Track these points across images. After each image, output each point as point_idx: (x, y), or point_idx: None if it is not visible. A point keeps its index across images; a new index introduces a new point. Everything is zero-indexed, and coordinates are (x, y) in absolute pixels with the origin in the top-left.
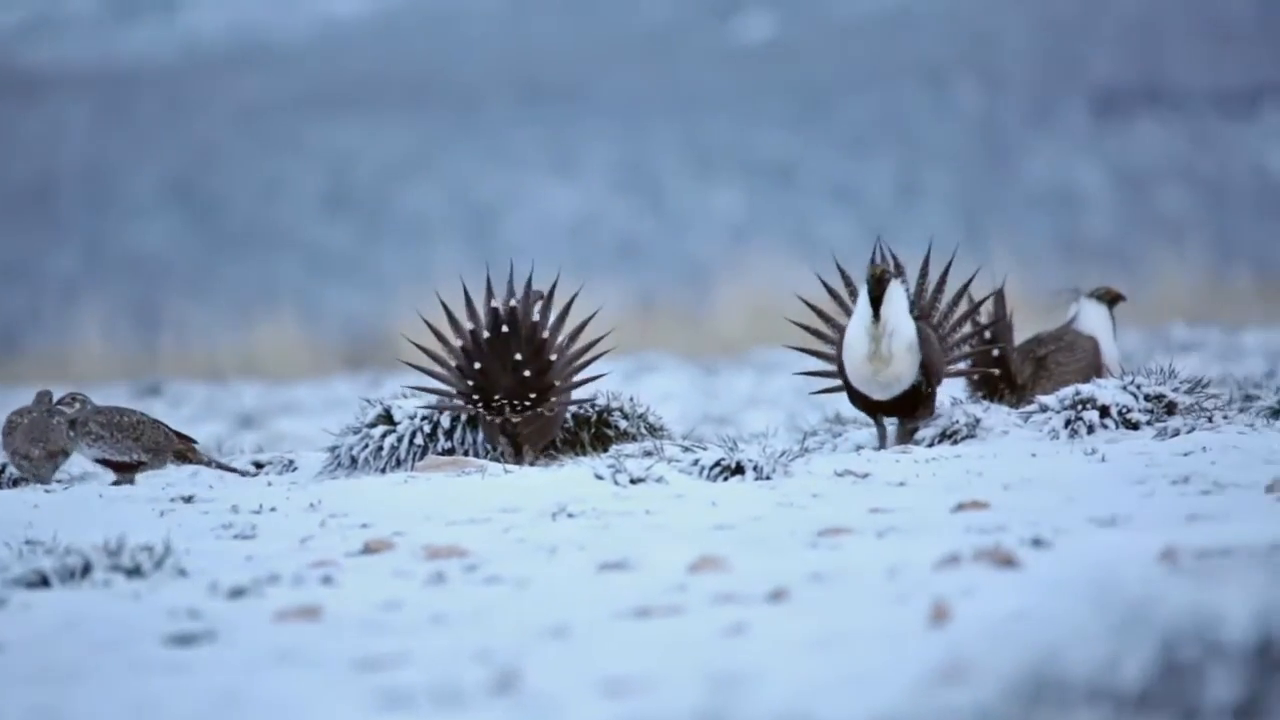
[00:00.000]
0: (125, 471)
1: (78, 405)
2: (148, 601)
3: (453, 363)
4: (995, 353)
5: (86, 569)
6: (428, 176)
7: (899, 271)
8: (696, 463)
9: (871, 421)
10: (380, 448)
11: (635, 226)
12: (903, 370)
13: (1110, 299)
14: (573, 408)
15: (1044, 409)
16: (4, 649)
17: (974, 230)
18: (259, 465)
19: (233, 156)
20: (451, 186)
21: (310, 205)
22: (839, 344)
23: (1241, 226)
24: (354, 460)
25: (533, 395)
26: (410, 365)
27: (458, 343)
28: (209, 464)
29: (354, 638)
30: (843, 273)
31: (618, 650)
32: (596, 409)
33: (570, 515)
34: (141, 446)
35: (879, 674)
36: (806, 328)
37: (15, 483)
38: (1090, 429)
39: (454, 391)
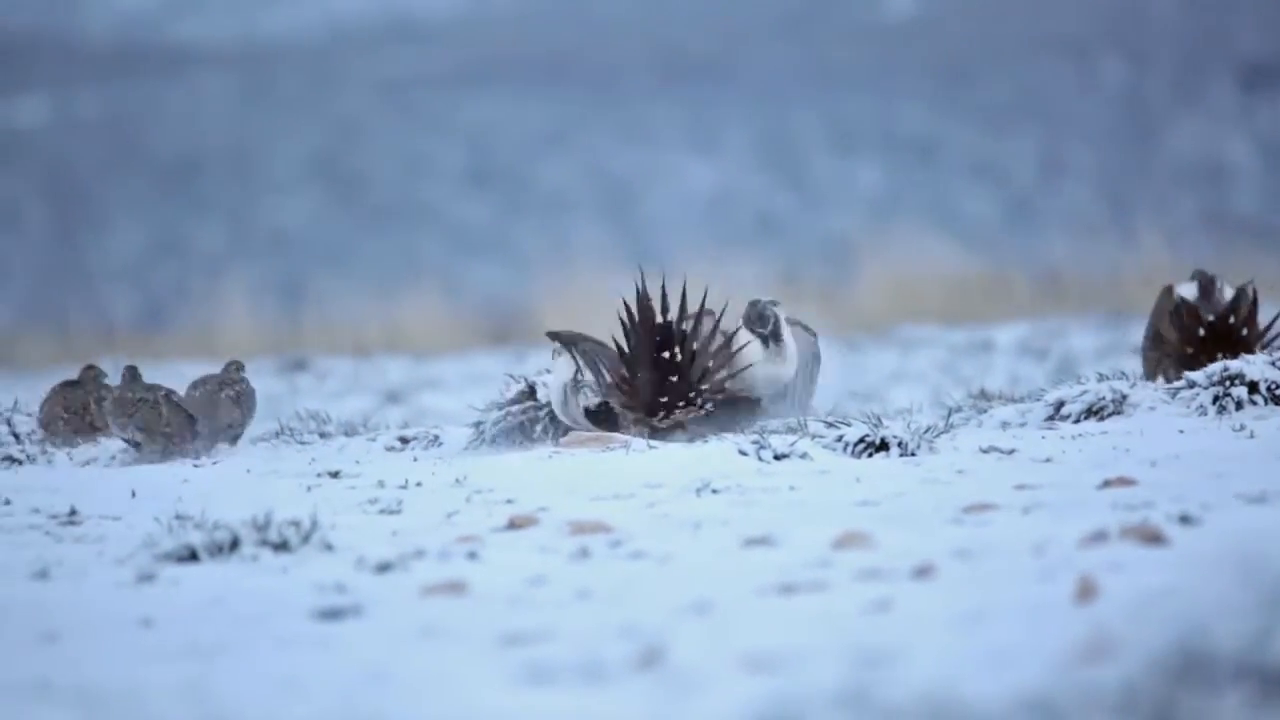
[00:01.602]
0: (138, 450)
1: (123, 379)
2: (295, 576)
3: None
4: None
5: (234, 544)
6: (568, 153)
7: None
8: (840, 439)
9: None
10: (524, 423)
11: (775, 203)
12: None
13: None
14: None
15: (1191, 385)
16: (153, 624)
17: (1118, 206)
18: (404, 440)
19: (376, 132)
20: (592, 163)
21: (452, 181)
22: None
23: None
24: (498, 436)
25: (679, 404)
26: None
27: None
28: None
29: (499, 613)
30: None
31: (761, 626)
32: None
33: (714, 491)
34: (134, 425)
35: (1024, 651)
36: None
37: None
38: (1239, 405)
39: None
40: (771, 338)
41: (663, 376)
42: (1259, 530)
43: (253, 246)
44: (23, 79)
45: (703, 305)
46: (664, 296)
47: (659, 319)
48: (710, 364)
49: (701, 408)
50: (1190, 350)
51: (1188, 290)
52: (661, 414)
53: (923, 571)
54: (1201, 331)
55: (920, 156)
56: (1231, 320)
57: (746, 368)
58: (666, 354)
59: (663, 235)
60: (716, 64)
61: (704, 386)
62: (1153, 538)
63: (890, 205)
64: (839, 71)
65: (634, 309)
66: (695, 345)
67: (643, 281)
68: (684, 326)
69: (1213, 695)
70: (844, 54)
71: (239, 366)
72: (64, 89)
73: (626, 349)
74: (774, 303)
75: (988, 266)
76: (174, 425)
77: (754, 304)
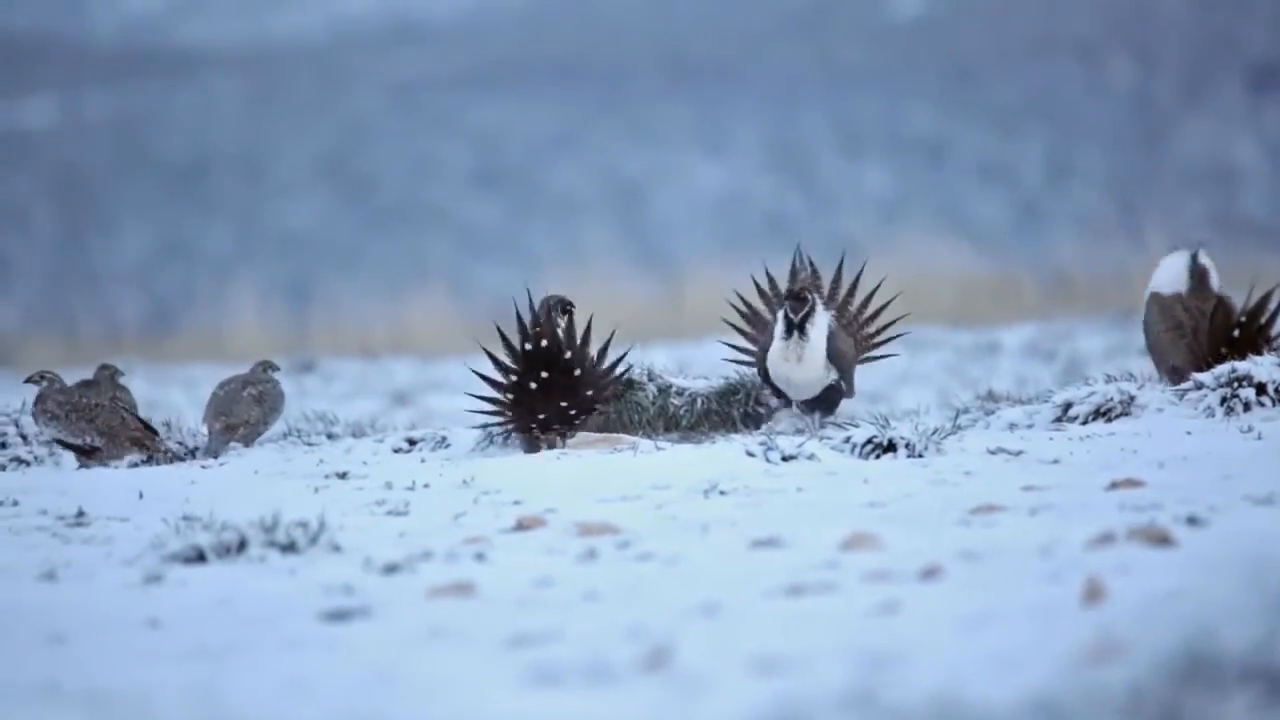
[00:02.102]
0: (83, 455)
1: (45, 383)
2: (302, 577)
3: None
4: None
5: (242, 545)
6: (576, 154)
7: (815, 280)
8: (848, 440)
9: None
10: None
11: (784, 204)
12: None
13: None
14: (723, 382)
15: (1199, 386)
16: (160, 624)
17: (1126, 208)
18: (412, 442)
19: (383, 134)
20: (600, 164)
21: (460, 182)
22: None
23: None
24: (506, 437)
25: (575, 416)
26: (478, 382)
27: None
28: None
29: (507, 614)
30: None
31: (769, 628)
32: (747, 386)
33: (722, 493)
34: (96, 429)
35: (1031, 652)
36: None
37: (173, 459)
38: (1246, 406)
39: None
40: (797, 328)
41: (545, 395)
42: (1266, 532)
43: (260, 249)
44: (30, 81)
45: (606, 341)
46: (570, 319)
47: (544, 343)
48: (591, 389)
49: (577, 423)
50: (1224, 351)
51: (1172, 264)
52: (539, 427)
53: (930, 573)
54: (1236, 333)
55: (928, 158)
56: (1262, 320)
57: (623, 393)
58: (546, 374)
59: (671, 237)
60: (725, 65)
61: (587, 402)
62: (1160, 539)
63: (898, 207)
64: (847, 73)
65: (528, 329)
66: (579, 369)
67: (543, 308)
68: (565, 346)
69: (1219, 697)
70: (852, 55)
71: (266, 366)
72: (71, 91)
73: (510, 367)
74: (808, 290)
75: (995, 268)
76: (142, 428)
77: (797, 281)
